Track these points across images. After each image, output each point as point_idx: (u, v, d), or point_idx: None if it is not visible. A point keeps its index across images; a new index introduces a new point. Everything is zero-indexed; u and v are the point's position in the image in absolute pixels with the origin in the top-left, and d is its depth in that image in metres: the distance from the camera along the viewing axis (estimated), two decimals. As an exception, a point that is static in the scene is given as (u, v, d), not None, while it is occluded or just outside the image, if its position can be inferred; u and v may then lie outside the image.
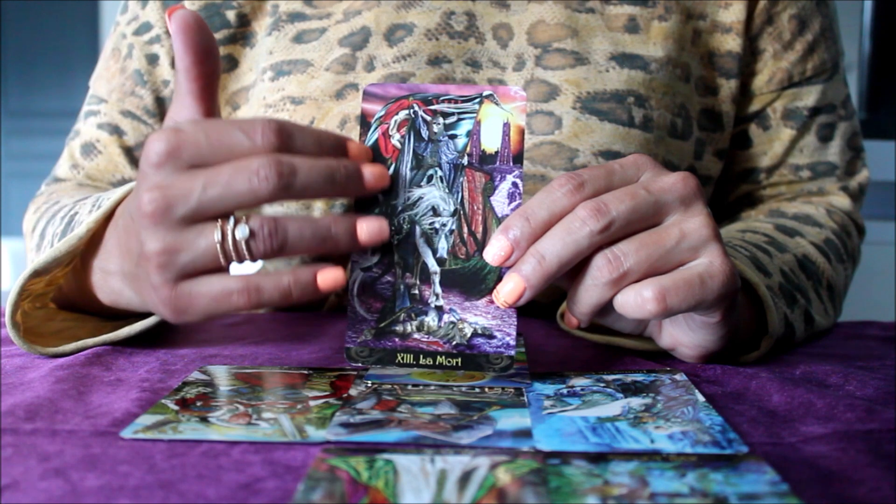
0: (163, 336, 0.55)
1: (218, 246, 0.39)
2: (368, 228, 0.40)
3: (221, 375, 0.45)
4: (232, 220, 0.39)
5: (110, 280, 0.47)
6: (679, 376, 0.45)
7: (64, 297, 0.53)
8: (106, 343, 0.50)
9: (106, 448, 0.34)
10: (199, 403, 0.40)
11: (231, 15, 0.67)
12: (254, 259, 0.39)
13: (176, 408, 0.39)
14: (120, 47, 0.71)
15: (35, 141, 3.14)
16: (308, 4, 0.66)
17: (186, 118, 0.42)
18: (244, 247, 0.39)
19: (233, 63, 0.68)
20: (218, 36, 0.67)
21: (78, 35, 3.07)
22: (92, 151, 0.71)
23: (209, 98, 0.43)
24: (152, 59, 0.69)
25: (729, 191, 0.74)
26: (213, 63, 0.43)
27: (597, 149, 0.61)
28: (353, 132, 0.62)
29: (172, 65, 0.69)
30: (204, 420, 0.37)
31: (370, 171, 0.41)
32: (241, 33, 0.67)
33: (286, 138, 0.39)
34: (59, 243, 0.47)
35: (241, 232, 0.38)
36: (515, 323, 0.43)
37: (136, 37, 0.70)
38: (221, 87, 0.68)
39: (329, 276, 0.40)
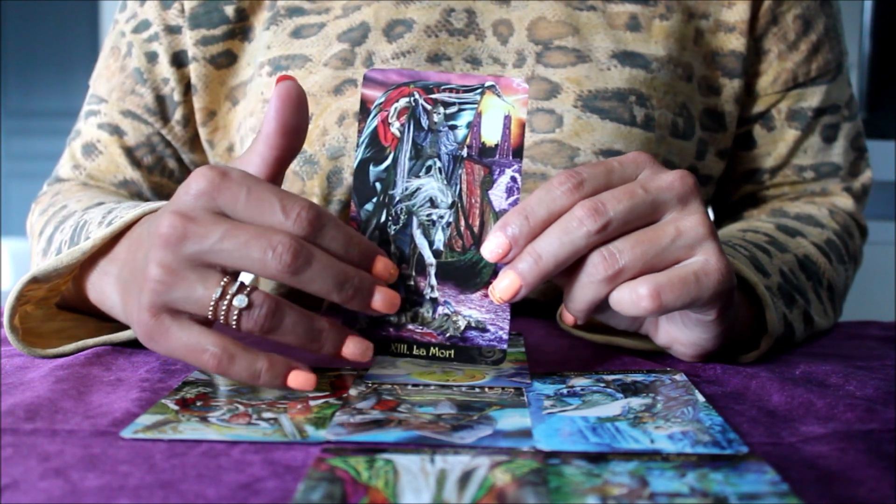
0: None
1: (213, 301, 0.38)
2: (354, 348, 0.40)
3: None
4: (237, 285, 0.38)
5: (104, 280, 0.47)
6: (679, 376, 0.45)
7: (65, 301, 0.53)
8: (106, 343, 0.50)
9: (106, 448, 0.34)
10: (199, 403, 0.40)
11: (230, 10, 0.67)
12: (239, 330, 0.39)
13: (176, 408, 0.39)
14: (119, 46, 0.71)
15: (35, 141, 3.14)
16: None
17: (246, 165, 0.42)
18: (235, 314, 0.38)
19: (231, 58, 0.68)
20: (217, 32, 0.67)
21: (78, 35, 3.07)
22: (93, 152, 0.71)
23: (276, 168, 0.43)
24: (151, 57, 0.69)
25: (732, 191, 0.74)
26: (295, 141, 0.42)
27: (598, 147, 0.61)
28: (351, 128, 0.62)
29: (171, 62, 0.69)
30: (204, 420, 0.37)
31: (381, 297, 0.40)
32: (240, 28, 0.67)
33: (318, 230, 0.39)
34: (63, 254, 0.47)
35: (239, 301, 0.38)
36: (509, 317, 0.43)
37: (134, 35, 0.70)
38: (221, 83, 0.68)
39: (300, 378, 0.40)
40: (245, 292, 0.38)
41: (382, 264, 0.41)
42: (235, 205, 0.39)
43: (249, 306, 0.38)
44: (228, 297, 0.38)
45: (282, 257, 0.37)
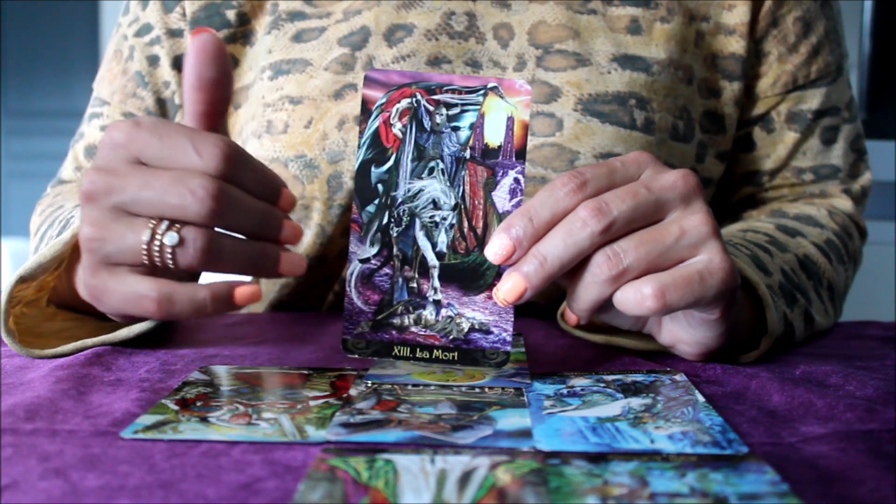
0: (163, 336, 0.55)
1: (144, 246, 0.39)
2: (291, 260, 0.41)
3: (221, 375, 0.45)
4: (165, 224, 0.39)
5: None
6: (679, 377, 0.45)
7: (62, 298, 0.53)
8: (105, 343, 0.50)
9: (106, 448, 0.34)
10: (199, 403, 0.40)
11: (231, 14, 0.67)
12: (178, 268, 0.39)
13: (176, 408, 0.39)
14: (121, 49, 0.71)
15: (35, 141, 3.14)
16: (308, 4, 0.65)
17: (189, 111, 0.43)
18: (170, 253, 0.39)
19: (233, 62, 0.68)
20: (218, 35, 0.67)
21: (78, 35, 3.07)
22: (95, 154, 0.71)
23: (207, 122, 0.43)
24: (153, 61, 0.69)
25: (732, 192, 0.74)
26: (220, 92, 0.42)
27: (598, 151, 0.61)
28: (351, 132, 0.62)
29: (173, 66, 0.69)
30: (204, 420, 0.37)
31: (287, 231, 0.41)
32: (242, 32, 0.67)
33: (232, 166, 0.39)
34: (46, 248, 0.47)
35: (170, 239, 0.38)
36: (512, 319, 0.43)
37: (136, 38, 0.70)
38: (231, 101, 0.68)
39: (246, 291, 0.40)
40: (175, 229, 0.39)
41: (286, 198, 0.42)
42: (150, 151, 0.39)
43: (182, 242, 0.38)
44: (159, 237, 0.39)
45: (203, 200, 0.38)
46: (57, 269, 0.49)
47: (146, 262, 0.39)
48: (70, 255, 0.49)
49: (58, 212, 0.62)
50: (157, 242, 0.39)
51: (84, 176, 0.40)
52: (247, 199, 0.40)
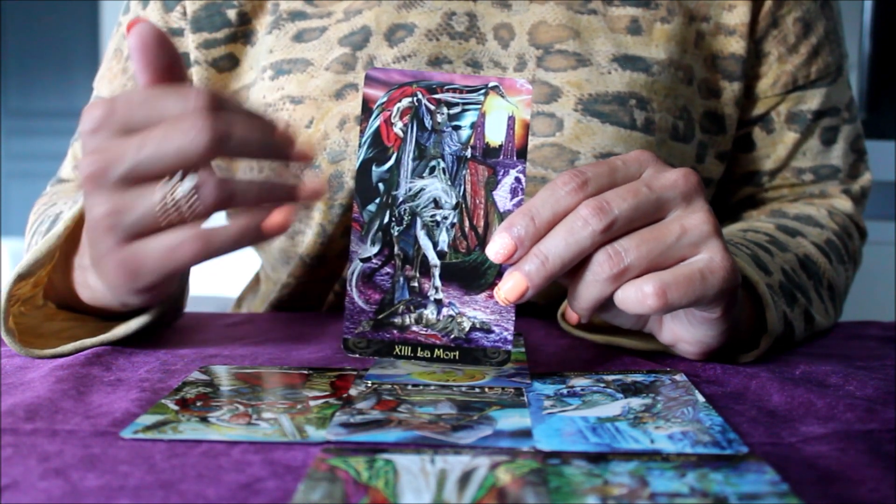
0: (163, 336, 0.55)
1: (159, 205, 0.39)
2: (310, 182, 0.41)
3: (221, 375, 0.45)
4: (176, 177, 0.39)
5: (87, 275, 0.48)
6: (679, 377, 0.45)
7: (60, 297, 0.53)
8: (104, 343, 0.50)
9: (106, 448, 0.34)
10: (199, 403, 0.40)
11: (232, 14, 0.67)
12: (198, 215, 0.39)
13: (176, 408, 0.39)
14: (122, 48, 0.71)
15: (35, 141, 3.14)
16: (309, 3, 0.65)
17: None
18: (186, 202, 0.39)
19: (234, 62, 0.68)
20: (219, 35, 0.67)
21: (78, 35, 3.07)
22: None
23: None
24: None
25: (731, 192, 0.74)
26: (174, 77, 0.42)
27: (598, 151, 0.61)
28: (352, 132, 0.62)
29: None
30: (204, 420, 0.37)
31: (308, 190, 0.41)
32: (242, 31, 0.67)
33: (218, 99, 0.39)
34: (40, 243, 0.47)
35: (184, 189, 0.39)
36: (514, 318, 0.43)
37: None
38: (223, 86, 0.68)
39: (276, 218, 0.40)
40: (187, 178, 0.39)
41: (282, 128, 0.41)
42: (133, 116, 0.39)
43: (195, 188, 0.39)
44: (171, 192, 0.39)
45: (202, 131, 0.38)
46: (50, 263, 0.49)
47: (165, 220, 0.39)
48: (62, 250, 0.49)
49: (51, 209, 0.62)
50: (171, 197, 0.39)
51: (81, 164, 0.40)
52: (244, 121, 0.39)
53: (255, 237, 0.40)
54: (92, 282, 0.47)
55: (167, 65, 0.41)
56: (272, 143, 0.40)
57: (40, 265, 0.47)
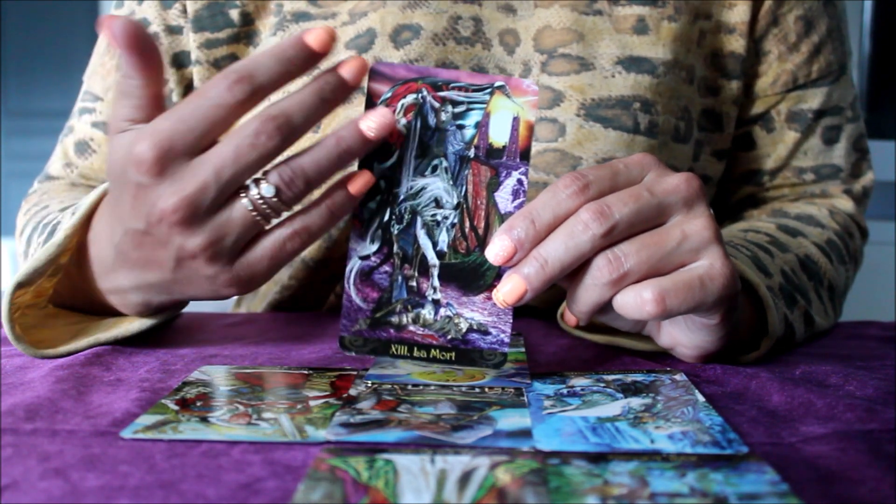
0: (163, 336, 0.55)
1: (252, 213, 0.40)
2: (370, 124, 0.41)
3: (221, 375, 0.45)
4: (252, 185, 0.40)
5: (129, 297, 0.47)
6: (679, 376, 0.45)
7: (63, 302, 0.52)
8: (119, 338, 0.50)
9: (106, 448, 0.34)
10: (199, 403, 0.40)
11: (234, 14, 0.66)
12: (290, 207, 0.40)
13: (176, 408, 0.39)
14: None
15: (35, 141, 3.14)
16: (313, 4, 0.65)
17: (136, 113, 0.42)
18: (276, 202, 0.40)
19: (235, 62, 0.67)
20: (221, 35, 0.67)
21: (78, 35, 3.07)
22: (86, 150, 0.70)
23: (161, 97, 0.43)
24: None
25: (732, 192, 0.74)
26: (161, 63, 0.42)
27: (600, 157, 0.61)
28: None
29: (172, 63, 0.68)
30: (204, 420, 0.37)
31: (349, 69, 0.41)
32: (245, 32, 0.67)
33: (252, 81, 0.39)
34: (39, 252, 0.47)
35: (268, 191, 0.40)
36: (511, 320, 0.43)
37: None
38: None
39: (359, 181, 0.41)
40: (264, 182, 0.40)
41: (313, 37, 0.40)
42: (188, 140, 0.39)
43: (279, 188, 0.40)
44: (258, 198, 0.40)
45: (270, 134, 0.39)
46: (53, 273, 0.49)
47: (264, 223, 0.40)
48: (76, 263, 0.49)
49: (42, 213, 0.61)
50: (260, 202, 0.40)
51: (155, 209, 0.40)
52: (298, 97, 0.40)
53: (347, 206, 0.41)
54: (139, 299, 0.48)
55: (155, 56, 0.42)
56: (329, 97, 0.40)
57: (39, 274, 0.47)
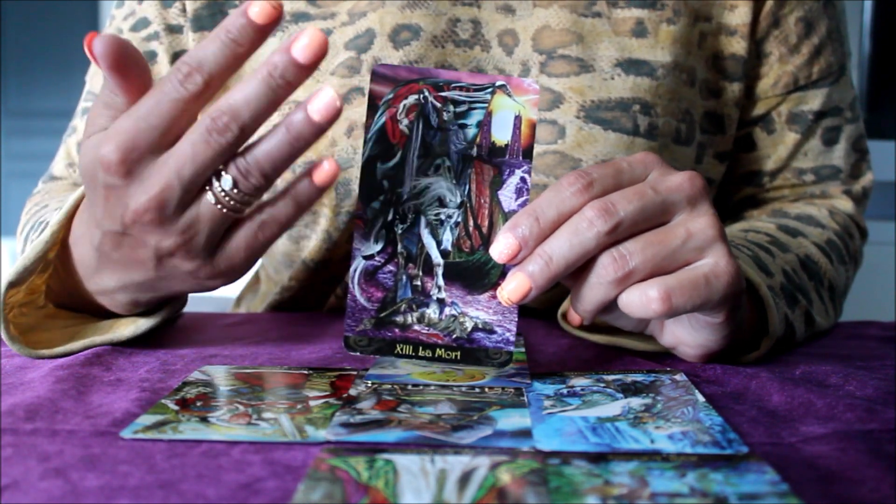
0: (163, 336, 0.55)
1: (217, 205, 0.40)
2: (317, 107, 0.39)
3: (221, 375, 0.45)
4: (214, 179, 0.40)
5: (117, 297, 0.47)
6: (679, 376, 0.45)
7: (58, 300, 0.52)
8: (113, 341, 0.50)
9: (106, 448, 0.34)
10: (199, 403, 0.40)
11: None
12: (254, 198, 0.40)
13: (176, 408, 0.39)
14: None
15: (35, 141, 3.14)
16: (312, 4, 0.65)
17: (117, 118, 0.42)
18: (238, 194, 0.40)
19: None
20: None
21: (78, 35, 3.07)
22: None
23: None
24: (150, 56, 0.69)
25: (732, 193, 0.74)
26: (148, 80, 0.42)
27: (600, 158, 0.61)
28: (360, 139, 0.62)
29: (171, 62, 0.68)
30: (204, 420, 0.37)
31: (300, 46, 0.38)
32: None
33: (202, 71, 0.39)
34: (28, 250, 0.47)
35: (227, 184, 0.39)
36: (516, 319, 0.43)
37: (133, 33, 0.69)
38: (224, 88, 0.68)
39: (323, 172, 0.40)
40: (224, 174, 0.39)
41: (257, 7, 0.38)
42: (151, 137, 0.39)
43: (236, 180, 0.39)
44: (221, 192, 0.40)
45: (225, 127, 0.38)
46: (44, 271, 0.49)
47: (230, 213, 0.40)
48: (60, 257, 0.49)
49: (41, 212, 0.61)
50: (222, 196, 0.40)
51: (125, 211, 0.40)
52: (245, 88, 0.38)
53: (312, 196, 0.41)
54: (126, 299, 0.48)
55: (140, 71, 0.41)
56: (278, 85, 0.38)
57: (29, 272, 0.47)
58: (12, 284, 0.47)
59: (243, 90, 0.38)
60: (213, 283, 0.43)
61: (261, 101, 0.38)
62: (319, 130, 0.39)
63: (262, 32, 0.39)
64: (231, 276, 0.42)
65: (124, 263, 0.44)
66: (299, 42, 0.38)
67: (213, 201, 0.40)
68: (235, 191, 0.40)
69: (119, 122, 0.40)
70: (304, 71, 0.38)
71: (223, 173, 0.39)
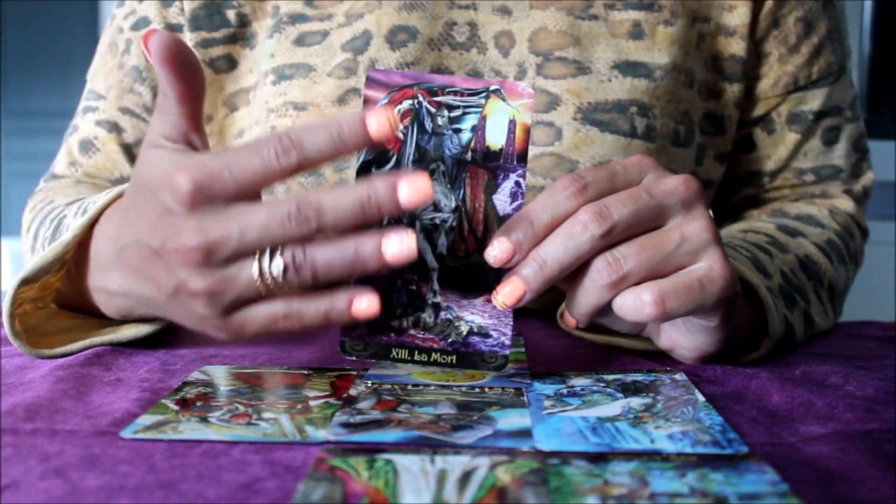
0: (163, 336, 0.55)
1: (257, 280, 0.39)
2: (392, 247, 0.39)
3: (221, 375, 0.45)
4: (267, 255, 0.39)
5: (114, 300, 0.47)
6: (679, 376, 0.45)
7: (63, 300, 0.52)
8: (113, 342, 0.50)
9: (106, 448, 0.34)
10: (199, 403, 0.40)
11: (231, 14, 0.66)
12: (292, 290, 0.40)
13: (176, 408, 0.39)
14: (117, 42, 0.71)
15: (35, 141, 3.14)
16: (309, 5, 0.65)
17: (172, 130, 0.42)
18: (281, 281, 0.39)
19: (231, 63, 0.67)
20: (217, 35, 0.67)
21: (78, 35, 3.07)
22: (90, 149, 0.71)
23: (198, 114, 0.43)
24: None
25: (732, 193, 0.74)
26: (201, 81, 0.42)
27: (597, 160, 0.61)
28: None
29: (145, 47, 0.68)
30: (204, 420, 0.37)
31: (407, 191, 0.38)
32: (241, 34, 0.67)
33: (300, 153, 0.39)
34: (46, 250, 0.47)
35: (277, 268, 0.39)
36: (511, 323, 0.43)
37: (133, 32, 0.69)
38: (219, 88, 0.68)
39: (362, 306, 0.40)
40: (278, 255, 0.39)
41: (375, 118, 0.39)
42: (226, 186, 0.39)
43: (287, 268, 0.39)
44: (267, 269, 0.39)
45: (299, 222, 0.38)
46: (59, 270, 0.49)
47: (263, 292, 0.40)
48: (74, 260, 0.49)
49: (48, 207, 0.61)
50: (267, 274, 0.39)
51: (181, 240, 0.39)
52: (336, 196, 0.38)
53: (342, 317, 0.40)
54: (123, 305, 0.47)
55: (192, 70, 0.41)
56: (369, 210, 0.38)
57: (45, 272, 0.47)
58: (26, 281, 0.47)
59: (340, 197, 0.38)
60: (216, 333, 0.42)
61: (348, 214, 0.38)
62: (384, 268, 0.39)
63: (371, 143, 0.39)
64: (234, 338, 0.42)
65: (141, 276, 0.43)
66: (410, 185, 0.38)
67: (255, 274, 0.39)
68: (281, 277, 0.39)
69: (204, 156, 0.39)
70: (400, 210, 0.38)
71: (277, 255, 0.39)
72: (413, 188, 0.38)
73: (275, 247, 0.39)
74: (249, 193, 0.39)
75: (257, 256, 0.39)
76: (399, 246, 0.38)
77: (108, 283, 0.46)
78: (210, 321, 0.41)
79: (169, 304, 0.42)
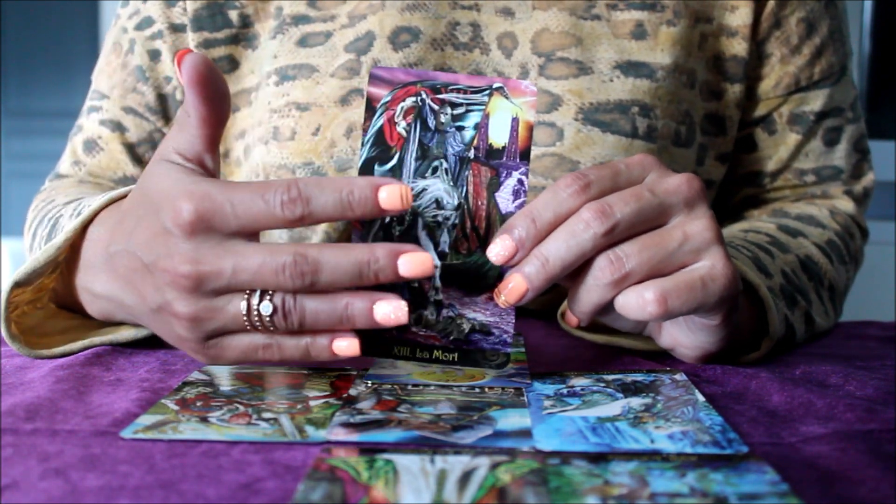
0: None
1: (244, 316, 0.39)
2: (382, 312, 0.39)
3: (221, 375, 0.45)
4: (258, 295, 0.39)
5: (98, 302, 0.47)
6: (679, 376, 0.45)
7: (60, 300, 0.52)
8: (113, 343, 0.50)
9: (106, 448, 0.34)
10: (199, 403, 0.40)
11: (233, 15, 0.66)
12: (277, 332, 0.40)
13: (176, 408, 0.39)
14: (121, 42, 0.71)
15: (35, 141, 3.14)
16: (312, 6, 0.65)
17: (187, 148, 0.42)
18: (268, 320, 0.39)
19: (233, 64, 0.67)
20: (219, 35, 0.67)
21: (78, 35, 3.07)
22: (94, 148, 0.71)
23: (216, 139, 0.43)
24: (154, 55, 0.69)
25: (733, 193, 0.74)
26: (226, 108, 0.42)
27: (599, 161, 0.61)
28: (358, 141, 0.62)
29: (173, 61, 0.69)
30: (204, 420, 0.37)
31: (408, 265, 0.38)
32: (244, 34, 0.67)
33: (306, 206, 0.39)
34: (39, 253, 0.47)
35: (266, 309, 0.39)
36: (513, 320, 0.43)
37: (137, 32, 0.69)
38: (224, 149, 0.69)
39: (343, 347, 0.40)
40: (268, 298, 0.39)
41: (387, 191, 0.39)
42: (227, 222, 0.39)
43: (276, 310, 0.39)
44: (255, 308, 0.39)
45: (293, 276, 0.38)
46: (53, 272, 0.49)
47: (248, 327, 0.40)
48: (66, 260, 0.49)
49: (48, 207, 0.61)
50: (255, 313, 0.39)
51: (174, 264, 0.39)
52: (336, 255, 0.39)
53: (323, 355, 0.41)
54: (106, 309, 0.47)
55: (220, 94, 0.42)
56: (365, 276, 0.39)
57: (38, 275, 0.47)
58: (19, 284, 0.47)
59: (339, 256, 0.38)
60: (193, 355, 0.42)
61: (345, 276, 0.38)
62: (371, 326, 0.40)
63: (380, 212, 0.39)
64: (212, 361, 0.42)
65: (127, 285, 0.43)
66: (411, 258, 0.39)
67: (243, 310, 0.39)
68: (268, 318, 0.39)
69: (211, 186, 0.39)
70: (399, 279, 0.39)
71: (267, 297, 0.39)
72: (414, 265, 0.38)
73: (266, 293, 0.39)
74: (249, 232, 0.40)
75: (247, 295, 0.39)
76: (389, 313, 0.39)
77: (94, 285, 0.46)
78: (189, 343, 0.41)
79: (151, 317, 0.43)
